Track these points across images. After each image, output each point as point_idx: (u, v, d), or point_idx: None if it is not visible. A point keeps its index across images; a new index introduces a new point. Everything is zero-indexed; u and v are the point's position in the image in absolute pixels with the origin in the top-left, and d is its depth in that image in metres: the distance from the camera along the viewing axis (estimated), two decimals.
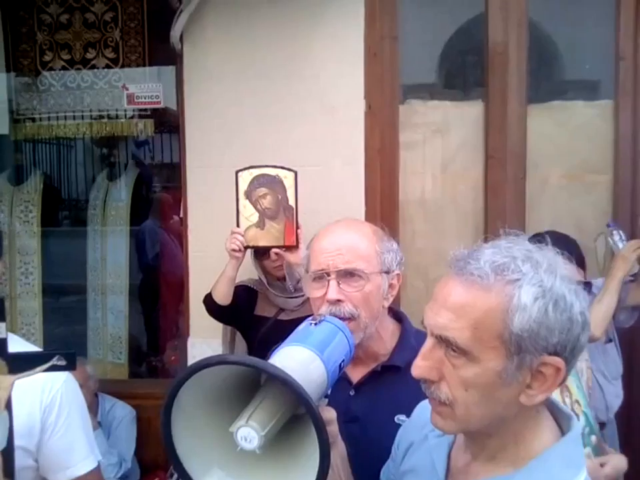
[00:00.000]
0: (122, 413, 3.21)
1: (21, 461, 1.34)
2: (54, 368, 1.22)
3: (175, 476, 3.20)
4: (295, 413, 0.94)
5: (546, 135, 3.21)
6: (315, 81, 3.02)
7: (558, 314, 0.89)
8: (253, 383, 0.95)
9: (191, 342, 3.14)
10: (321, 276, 1.41)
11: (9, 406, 1.19)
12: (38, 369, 1.22)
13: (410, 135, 3.25)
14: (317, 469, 0.85)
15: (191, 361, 3.11)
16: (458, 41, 3.44)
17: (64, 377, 1.50)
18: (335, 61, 3.01)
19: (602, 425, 2.82)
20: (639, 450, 3.02)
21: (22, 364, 1.21)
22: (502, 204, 3.18)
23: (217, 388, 0.92)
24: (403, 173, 3.22)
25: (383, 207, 3.13)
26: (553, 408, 1.03)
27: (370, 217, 2.96)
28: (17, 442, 1.22)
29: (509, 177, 3.17)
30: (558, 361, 0.90)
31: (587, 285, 2.83)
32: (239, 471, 0.93)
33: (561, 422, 1.02)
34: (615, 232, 2.80)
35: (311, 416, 0.82)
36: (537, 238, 2.61)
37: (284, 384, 0.83)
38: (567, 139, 3.23)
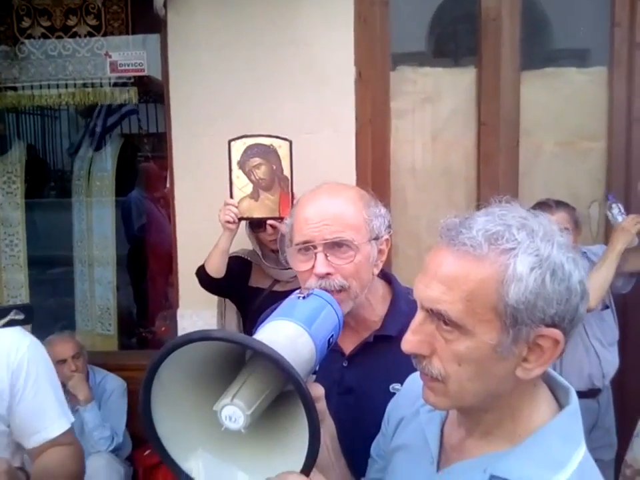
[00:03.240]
0: (113, 386, 3.19)
1: None
2: (12, 323, 1.20)
3: None
4: (282, 390, 0.91)
5: (539, 102, 3.17)
6: (304, 48, 2.95)
7: (556, 284, 0.85)
8: (238, 359, 0.92)
9: (180, 313, 3.12)
10: (307, 248, 1.34)
11: None
12: None
13: (401, 103, 3.19)
14: (306, 449, 0.81)
15: (181, 332, 3.09)
16: (450, 7, 3.37)
17: (28, 341, 1.49)
18: (324, 27, 2.94)
19: (598, 391, 2.84)
20: (634, 416, 3.05)
21: None
22: (494, 172, 3.15)
23: (199, 364, 0.88)
24: (394, 141, 3.19)
25: (374, 176, 3.10)
26: (550, 381, 1.00)
27: (361, 186, 2.87)
28: None
29: (501, 145, 3.14)
30: (556, 333, 0.87)
31: (583, 254, 2.83)
32: (224, 452, 0.89)
33: (559, 395, 0.99)
34: (614, 205, 2.78)
35: (300, 395, 0.79)
36: (541, 204, 2.59)
37: (272, 361, 0.79)
38: (560, 106, 3.19)
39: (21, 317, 1.18)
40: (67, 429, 1.57)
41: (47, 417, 1.53)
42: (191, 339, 0.81)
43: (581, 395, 2.73)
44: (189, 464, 0.88)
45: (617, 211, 2.76)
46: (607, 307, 2.86)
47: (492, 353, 0.88)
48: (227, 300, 2.88)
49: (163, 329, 3.86)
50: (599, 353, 2.82)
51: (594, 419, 2.84)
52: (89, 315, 3.74)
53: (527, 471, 0.89)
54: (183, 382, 0.89)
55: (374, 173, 3.10)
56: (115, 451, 3.06)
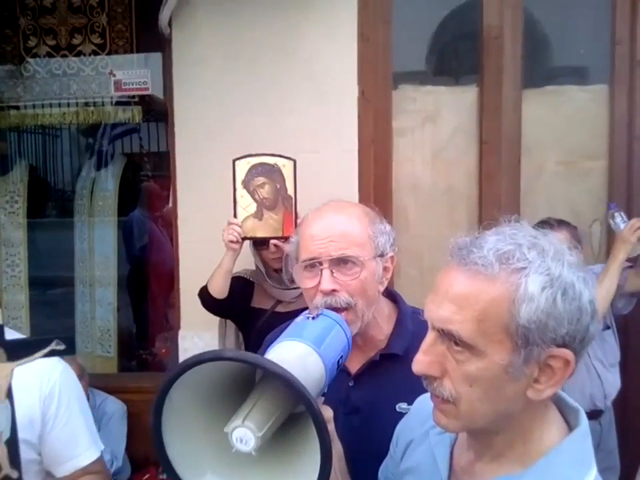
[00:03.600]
0: (113, 409, 3.15)
1: (24, 454, 1.31)
2: (53, 353, 1.19)
3: None
4: (292, 411, 0.90)
5: (540, 120, 3.18)
6: (307, 66, 2.97)
7: (567, 303, 0.85)
8: (247, 380, 0.90)
9: (182, 334, 3.09)
10: (313, 265, 1.34)
11: (9, 395, 1.16)
12: (37, 354, 1.18)
13: (403, 122, 3.20)
14: (317, 471, 0.80)
15: (182, 353, 3.06)
16: (452, 25, 3.39)
17: (61, 367, 1.49)
18: (328, 46, 2.96)
19: (599, 413, 2.81)
20: (636, 436, 3.02)
21: (20, 350, 1.17)
22: (496, 191, 3.15)
23: (209, 386, 0.87)
24: (395, 160, 3.18)
25: (377, 194, 3.09)
26: (559, 402, 0.99)
27: (364, 204, 2.91)
28: (20, 435, 1.19)
29: (503, 164, 3.14)
30: (567, 353, 0.86)
31: None
32: (234, 474, 0.88)
33: (568, 416, 0.98)
34: (616, 214, 2.77)
35: (312, 416, 0.78)
36: (543, 224, 2.58)
37: (284, 382, 0.78)
38: (561, 125, 3.20)
39: (62, 347, 1.17)
40: (96, 457, 1.56)
41: (77, 446, 1.52)
42: (202, 359, 0.81)
43: None
44: None
45: (619, 219, 2.74)
46: (608, 328, 2.85)
47: (503, 374, 0.87)
48: (228, 321, 2.86)
49: (164, 350, 3.83)
50: (600, 374, 2.80)
51: (596, 440, 2.80)
52: (89, 336, 3.72)
53: None
54: (193, 404, 0.88)
55: (376, 192, 3.09)
56: (114, 475, 3.01)
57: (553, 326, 0.84)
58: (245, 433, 0.82)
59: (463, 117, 3.21)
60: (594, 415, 2.79)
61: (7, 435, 1.14)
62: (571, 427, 0.96)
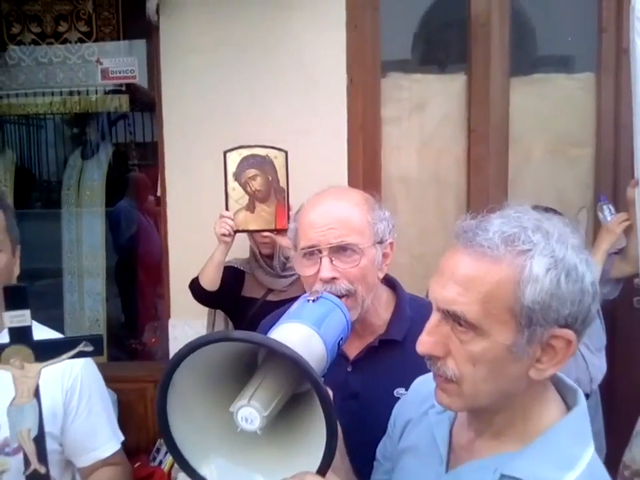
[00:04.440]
0: None
1: (47, 445, 1.34)
2: (81, 354, 1.21)
3: (158, 459, 3.16)
4: (295, 392, 0.90)
5: (528, 108, 3.19)
6: (295, 53, 2.96)
7: (570, 285, 0.87)
8: (248, 362, 0.91)
9: (172, 323, 3.09)
10: (312, 252, 1.33)
11: (37, 394, 1.19)
12: (64, 355, 1.21)
13: (392, 110, 3.20)
14: (322, 449, 0.81)
15: (172, 342, 3.06)
16: (440, 12, 3.38)
17: (82, 361, 1.49)
18: (316, 33, 2.95)
19: (586, 396, 2.84)
20: (622, 421, 3.05)
21: (48, 351, 1.20)
22: (484, 179, 3.16)
23: (211, 369, 0.88)
24: (384, 148, 3.18)
25: (365, 183, 3.09)
26: (557, 382, 1.01)
27: None
28: None
29: (491, 152, 3.16)
30: (569, 334, 0.88)
31: None
32: (238, 455, 0.89)
33: (566, 396, 1.01)
34: (605, 206, 2.80)
35: (319, 394, 0.79)
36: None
37: (292, 362, 0.79)
38: (548, 112, 3.21)
39: (90, 348, 1.18)
40: (117, 449, 1.58)
41: (98, 438, 1.54)
42: (211, 339, 0.81)
43: None
44: (204, 468, 0.87)
45: (607, 212, 2.78)
46: None
47: (507, 354, 0.88)
48: (217, 310, 2.86)
49: (153, 340, 3.81)
50: (586, 358, 2.84)
51: None
52: (78, 326, 3.70)
53: (538, 470, 0.90)
54: (197, 385, 0.88)
55: (365, 180, 3.09)
56: None
57: (556, 307, 0.86)
58: (250, 412, 0.83)
59: (451, 105, 3.22)
60: None
61: (34, 432, 1.18)
62: (569, 406, 0.99)
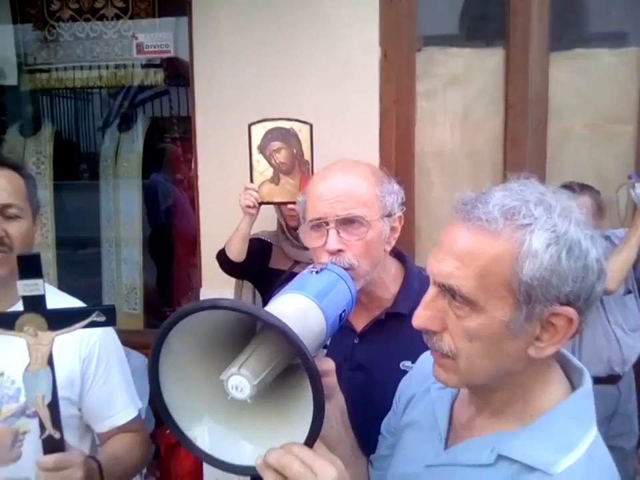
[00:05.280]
0: (135, 364, 3.19)
1: (66, 410, 1.37)
2: (93, 324, 1.22)
3: None
4: (291, 363, 0.91)
5: (568, 83, 3.10)
6: (328, 28, 2.92)
7: (572, 261, 0.84)
8: (248, 330, 0.92)
9: (203, 293, 3.14)
10: (319, 224, 1.35)
11: (50, 362, 1.21)
12: (77, 325, 1.21)
13: (427, 84, 3.15)
14: (310, 421, 0.82)
15: None
16: None
17: (101, 328, 1.50)
18: (350, 7, 2.90)
19: (618, 377, 2.80)
20: None
21: (61, 320, 1.21)
22: (522, 155, 3.10)
23: (209, 334, 0.89)
24: (419, 123, 3.14)
25: (398, 159, 3.07)
26: (563, 361, 0.98)
27: (384, 168, 2.89)
28: (61, 393, 1.24)
29: (529, 127, 3.08)
30: (570, 312, 0.85)
31: (606, 238, 2.78)
32: (230, 421, 0.90)
33: (572, 376, 0.98)
34: (637, 184, 2.72)
35: (305, 366, 0.79)
36: (565, 187, 2.55)
37: (278, 332, 0.79)
38: (589, 88, 3.12)
39: (102, 318, 1.21)
40: (133, 416, 1.59)
41: (115, 405, 1.56)
42: (200, 307, 0.82)
43: (601, 380, 2.71)
44: (193, 431, 0.89)
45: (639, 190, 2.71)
46: (629, 292, 2.81)
47: (504, 330, 0.87)
48: (245, 282, 2.89)
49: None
50: (619, 339, 2.78)
51: (614, 405, 2.79)
52: (115, 294, 3.80)
53: (535, 452, 0.88)
54: (192, 350, 0.90)
55: (398, 155, 3.07)
56: None
57: (556, 284, 0.84)
58: (240, 380, 0.83)
59: (488, 79, 3.15)
60: (612, 379, 2.78)
61: (48, 398, 1.20)
62: (574, 387, 0.96)
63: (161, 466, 3.31)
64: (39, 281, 1.18)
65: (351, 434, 1.19)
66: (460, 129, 3.21)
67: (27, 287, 1.17)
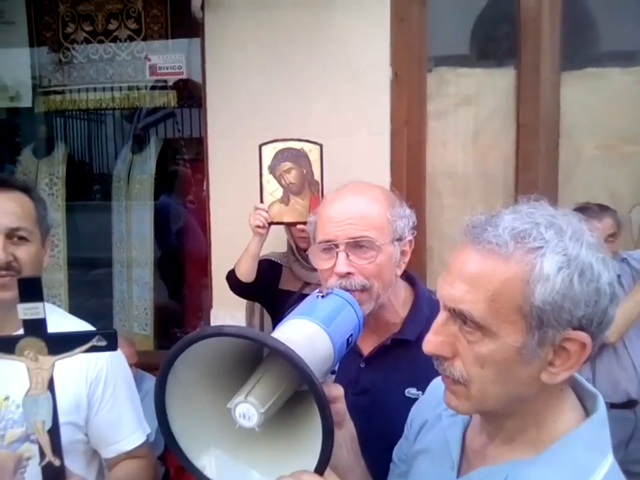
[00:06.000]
0: (148, 386, 3.21)
1: (72, 435, 1.36)
2: (94, 349, 1.20)
3: None
4: (299, 389, 0.90)
5: (580, 103, 3.09)
6: (339, 49, 2.94)
7: (584, 285, 0.82)
8: (255, 356, 0.91)
9: (214, 314, 3.13)
10: (329, 247, 1.33)
11: (51, 386, 1.19)
12: (77, 349, 1.20)
13: (438, 105, 3.15)
14: (319, 449, 0.80)
15: None
16: (489, 8, 3.31)
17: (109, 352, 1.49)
18: (360, 27, 2.92)
19: (635, 402, 2.75)
20: None
21: (62, 344, 1.19)
22: (534, 175, 3.08)
23: (215, 362, 0.88)
24: (430, 143, 3.14)
25: (409, 179, 3.06)
26: (576, 386, 0.96)
27: (395, 189, 2.88)
28: (67, 418, 1.23)
29: (541, 147, 3.07)
30: (583, 336, 0.83)
31: (622, 260, 2.75)
32: (238, 450, 0.88)
33: (586, 401, 0.95)
34: None
35: (313, 392, 0.77)
36: (583, 210, 2.53)
37: (285, 358, 0.78)
38: (601, 108, 3.10)
39: (103, 343, 1.19)
40: (141, 442, 1.56)
41: (123, 430, 1.53)
42: (204, 334, 0.81)
43: (618, 405, 2.65)
44: (201, 461, 0.88)
45: None
46: None
47: (516, 356, 0.85)
48: (256, 303, 2.88)
49: (197, 329, 3.86)
50: (635, 364, 2.73)
51: (631, 430, 2.74)
52: (126, 315, 3.80)
53: None
54: (199, 379, 0.88)
55: (409, 176, 3.07)
56: None
57: (568, 308, 0.82)
58: (247, 408, 0.82)
59: (500, 100, 3.15)
60: (629, 404, 2.73)
61: (48, 424, 1.18)
62: (588, 412, 0.93)
63: None
64: (40, 305, 1.16)
65: (361, 460, 1.17)
66: (471, 149, 3.20)
67: (27, 310, 1.16)
